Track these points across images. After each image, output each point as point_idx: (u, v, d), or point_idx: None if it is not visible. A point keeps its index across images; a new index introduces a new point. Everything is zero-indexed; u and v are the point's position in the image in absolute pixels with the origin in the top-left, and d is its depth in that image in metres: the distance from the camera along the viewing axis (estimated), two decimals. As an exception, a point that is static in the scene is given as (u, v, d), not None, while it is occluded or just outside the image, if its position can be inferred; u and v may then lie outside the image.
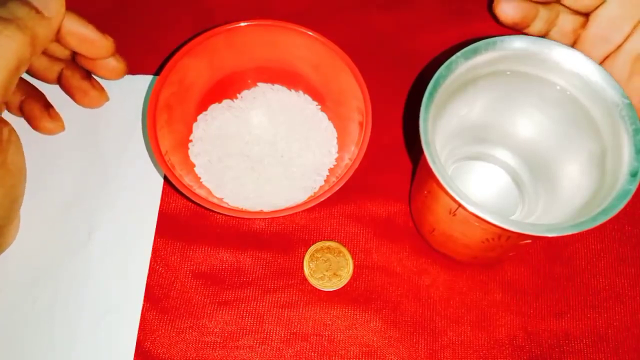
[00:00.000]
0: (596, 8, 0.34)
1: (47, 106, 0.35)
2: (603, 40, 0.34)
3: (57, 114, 0.35)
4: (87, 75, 0.35)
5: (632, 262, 0.35)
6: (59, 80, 0.35)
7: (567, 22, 0.36)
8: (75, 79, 0.34)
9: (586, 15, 0.35)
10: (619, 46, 0.34)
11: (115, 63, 0.33)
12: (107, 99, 0.36)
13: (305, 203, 0.31)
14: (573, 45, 0.36)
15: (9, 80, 0.26)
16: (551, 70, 0.28)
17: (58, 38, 0.30)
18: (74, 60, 0.34)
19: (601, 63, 0.34)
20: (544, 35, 0.37)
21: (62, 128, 0.35)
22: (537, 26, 0.36)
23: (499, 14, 0.35)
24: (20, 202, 0.32)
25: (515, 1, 0.34)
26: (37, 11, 0.27)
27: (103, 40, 0.31)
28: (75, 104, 0.36)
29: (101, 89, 0.36)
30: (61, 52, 0.33)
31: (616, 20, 0.33)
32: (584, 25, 0.35)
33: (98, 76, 0.35)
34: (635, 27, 0.33)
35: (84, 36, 0.30)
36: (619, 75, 0.33)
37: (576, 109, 0.29)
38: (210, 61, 0.35)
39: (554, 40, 0.28)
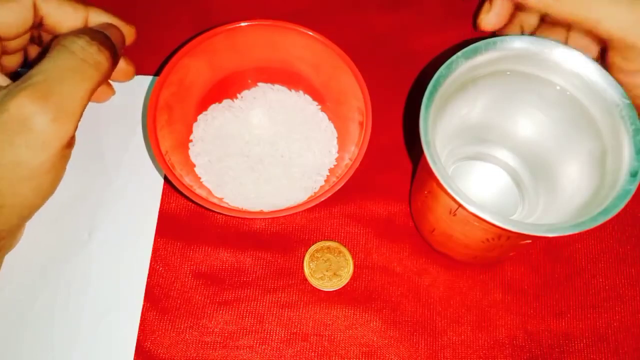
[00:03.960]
0: None
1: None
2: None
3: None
4: None
5: (632, 262, 0.35)
6: None
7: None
8: None
9: None
10: None
11: (124, 65, 0.34)
12: (114, 92, 0.36)
13: (305, 203, 0.31)
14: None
15: (96, 89, 0.30)
16: (551, 70, 0.28)
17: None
18: None
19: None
20: None
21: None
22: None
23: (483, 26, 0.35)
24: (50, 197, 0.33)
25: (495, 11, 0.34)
26: (115, 48, 0.31)
27: (127, 28, 0.33)
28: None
29: (107, 82, 0.36)
30: None
31: None
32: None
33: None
34: None
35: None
36: None
37: (576, 109, 0.29)
38: (210, 61, 0.35)
39: (554, 40, 0.28)
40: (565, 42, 0.34)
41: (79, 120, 0.29)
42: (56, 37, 0.30)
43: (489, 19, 0.33)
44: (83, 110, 0.29)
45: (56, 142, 0.28)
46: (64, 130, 0.28)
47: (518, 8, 0.33)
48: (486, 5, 0.34)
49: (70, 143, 0.30)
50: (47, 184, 0.30)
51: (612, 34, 0.29)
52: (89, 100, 0.29)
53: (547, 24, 0.35)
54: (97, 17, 0.32)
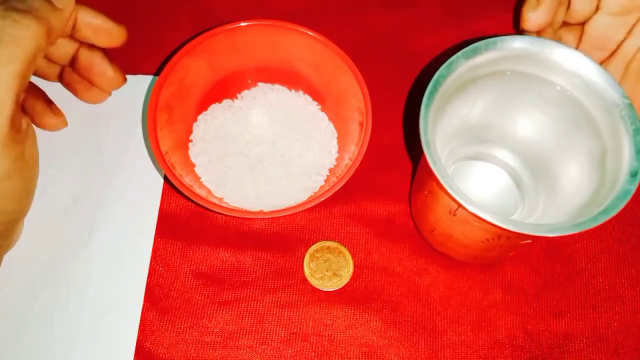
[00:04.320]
0: (590, 17, 0.34)
1: (49, 102, 0.35)
2: (597, 47, 0.34)
3: (59, 110, 0.35)
4: None
5: (632, 262, 0.35)
6: (61, 76, 0.35)
7: (568, 35, 0.36)
8: (77, 74, 0.34)
9: (582, 24, 0.35)
10: (613, 52, 0.34)
11: (113, 74, 0.33)
12: (110, 93, 0.36)
13: (305, 203, 0.31)
14: None
15: (27, 68, 0.27)
16: (551, 70, 0.28)
17: (74, 31, 0.31)
18: (73, 64, 0.34)
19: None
20: None
21: (65, 124, 0.35)
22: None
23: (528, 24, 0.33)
24: (33, 197, 0.32)
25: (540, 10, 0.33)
26: (50, 3, 0.28)
27: (116, 28, 0.32)
28: (73, 105, 0.35)
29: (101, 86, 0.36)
30: (62, 56, 0.33)
31: (609, 27, 0.33)
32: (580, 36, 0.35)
33: (96, 86, 0.35)
34: (629, 33, 0.33)
35: (99, 26, 0.31)
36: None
37: (576, 109, 0.29)
38: (210, 61, 0.35)
39: (554, 40, 0.28)
40: (579, 43, 0.34)
41: (13, 109, 0.26)
42: None
43: (537, 17, 0.31)
44: (15, 97, 0.26)
45: None
46: None
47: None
48: (532, 1, 0.32)
49: (16, 138, 0.27)
50: (15, 187, 0.29)
51: None
52: (20, 83, 0.26)
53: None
54: (85, 17, 0.31)
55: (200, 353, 0.33)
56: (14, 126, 0.27)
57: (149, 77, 0.39)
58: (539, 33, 0.34)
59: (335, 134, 0.37)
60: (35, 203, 0.33)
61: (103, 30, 0.31)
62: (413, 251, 0.35)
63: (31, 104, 0.34)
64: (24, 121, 0.29)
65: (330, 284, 0.34)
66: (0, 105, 0.26)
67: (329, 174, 0.35)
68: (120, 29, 0.32)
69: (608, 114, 0.27)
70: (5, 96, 0.26)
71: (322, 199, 0.31)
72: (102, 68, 0.33)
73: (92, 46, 0.33)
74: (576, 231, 0.24)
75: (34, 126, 0.32)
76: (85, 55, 0.33)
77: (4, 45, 0.26)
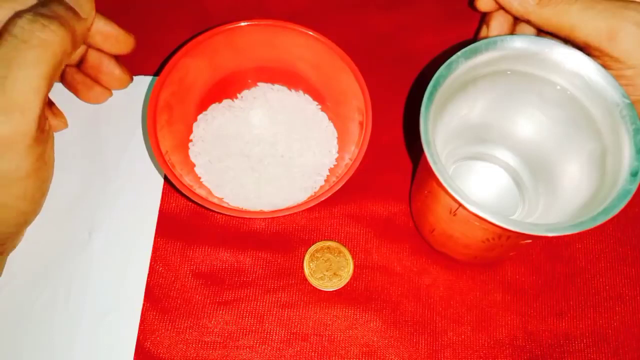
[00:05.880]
0: None
1: (50, 103, 0.35)
2: None
3: (59, 110, 0.35)
4: None
5: (632, 262, 0.35)
6: (62, 76, 0.35)
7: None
8: (79, 75, 0.34)
9: None
10: None
11: (120, 74, 0.34)
12: (111, 94, 0.36)
13: (305, 203, 0.31)
14: None
15: (54, 71, 0.27)
16: (551, 70, 0.28)
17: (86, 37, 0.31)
18: (81, 63, 0.34)
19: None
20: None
21: (65, 125, 0.36)
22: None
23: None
24: (45, 199, 0.32)
25: None
26: (74, 12, 0.29)
27: (126, 36, 0.32)
28: (73, 106, 0.36)
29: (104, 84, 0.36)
30: (72, 58, 0.34)
31: None
32: None
33: (103, 85, 0.35)
34: None
35: (109, 34, 0.32)
36: None
37: (576, 109, 0.29)
38: (210, 61, 0.35)
39: (554, 40, 0.28)
40: None
41: (40, 110, 0.27)
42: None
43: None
44: (42, 99, 0.27)
45: (19, 142, 0.27)
46: (24, 127, 0.26)
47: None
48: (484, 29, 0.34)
49: (40, 139, 0.28)
50: (32, 187, 0.29)
51: (587, 41, 0.29)
52: (48, 84, 0.27)
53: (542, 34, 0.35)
54: (97, 24, 0.31)
55: (200, 353, 0.33)
56: (40, 126, 0.28)
57: (149, 77, 0.39)
58: (488, 17, 0.35)
59: (335, 134, 0.37)
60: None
61: (113, 37, 0.32)
62: (413, 251, 0.35)
63: None
64: (47, 123, 0.30)
65: (330, 284, 0.34)
66: (29, 105, 0.26)
67: (329, 173, 0.35)
68: (129, 37, 0.33)
69: (608, 113, 0.27)
70: (34, 97, 0.27)
71: (322, 199, 0.31)
72: (110, 67, 0.34)
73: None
74: (576, 231, 0.24)
75: None
76: (94, 55, 0.33)
77: (33, 47, 0.26)
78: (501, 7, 0.33)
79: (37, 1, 0.28)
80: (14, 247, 0.33)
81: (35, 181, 0.29)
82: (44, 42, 0.26)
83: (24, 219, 0.31)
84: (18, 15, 0.27)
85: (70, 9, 0.28)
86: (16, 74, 0.26)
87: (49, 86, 0.27)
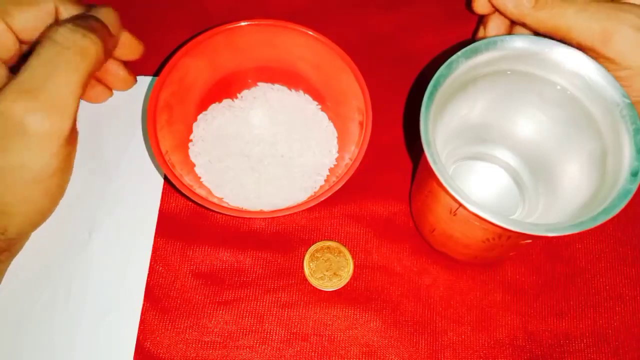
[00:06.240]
0: None
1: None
2: None
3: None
4: None
5: (633, 262, 0.35)
6: None
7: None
8: None
9: None
10: None
11: (125, 74, 0.35)
12: (111, 93, 0.36)
13: (305, 203, 0.31)
14: None
15: (88, 77, 0.29)
16: (551, 69, 0.28)
17: None
18: None
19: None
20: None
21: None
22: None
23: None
24: (61, 199, 0.33)
25: None
26: (107, 28, 0.30)
27: (136, 43, 0.34)
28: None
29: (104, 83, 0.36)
30: None
31: None
32: None
33: (107, 86, 0.36)
34: None
35: (123, 42, 0.33)
36: None
37: (576, 109, 0.29)
38: (210, 61, 0.35)
39: (554, 40, 0.28)
40: None
41: (75, 113, 0.28)
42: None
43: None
44: (78, 102, 0.28)
45: (54, 139, 0.28)
46: (60, 126, 0.28)
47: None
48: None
49: (71, 139, 0.29)
50: (55, 186, 0.30)
51: (583, 43, 0.29)
52: (83, 89, 0.28)
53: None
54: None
55: (200, 353, 0.33)
56: (73, 128, 0.29)
57: (149, 77, 0.39)
58: (485, 19, 0.35)
59: (336, 134, 0.37)
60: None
61: (125, 45, 0.33)
62: (413, 251, 0.35)
63: None
64: (75, 126, 0.31)
65: (330, 284, 0.34)
66: (66, 107, 0.28)
67: (329, 173, 0.35)
68: (139, 45, 0.34)
69: (608, 113, 0.27)
70: (72, 100, 0.28)
71: (322, 199, 0.31)
72: (115, 68, 0.34)
73: None
74: (576, 231, 0.24)
75: None
76: None
77: (74, 53, 0.28)
78: (497, 10, 0.33)
79: (52, 7, 0.30)
80: (16, 252, 0.33)
81: (58, 180, 0.30)
82: (84, 50, 0.28)
83: (40, 218, 0.32)
84: (58, 23, 0.28)
85: (105, 25, 0.30)
86: (58, 77, 0.27)
87: (83, 92, 0.29)
